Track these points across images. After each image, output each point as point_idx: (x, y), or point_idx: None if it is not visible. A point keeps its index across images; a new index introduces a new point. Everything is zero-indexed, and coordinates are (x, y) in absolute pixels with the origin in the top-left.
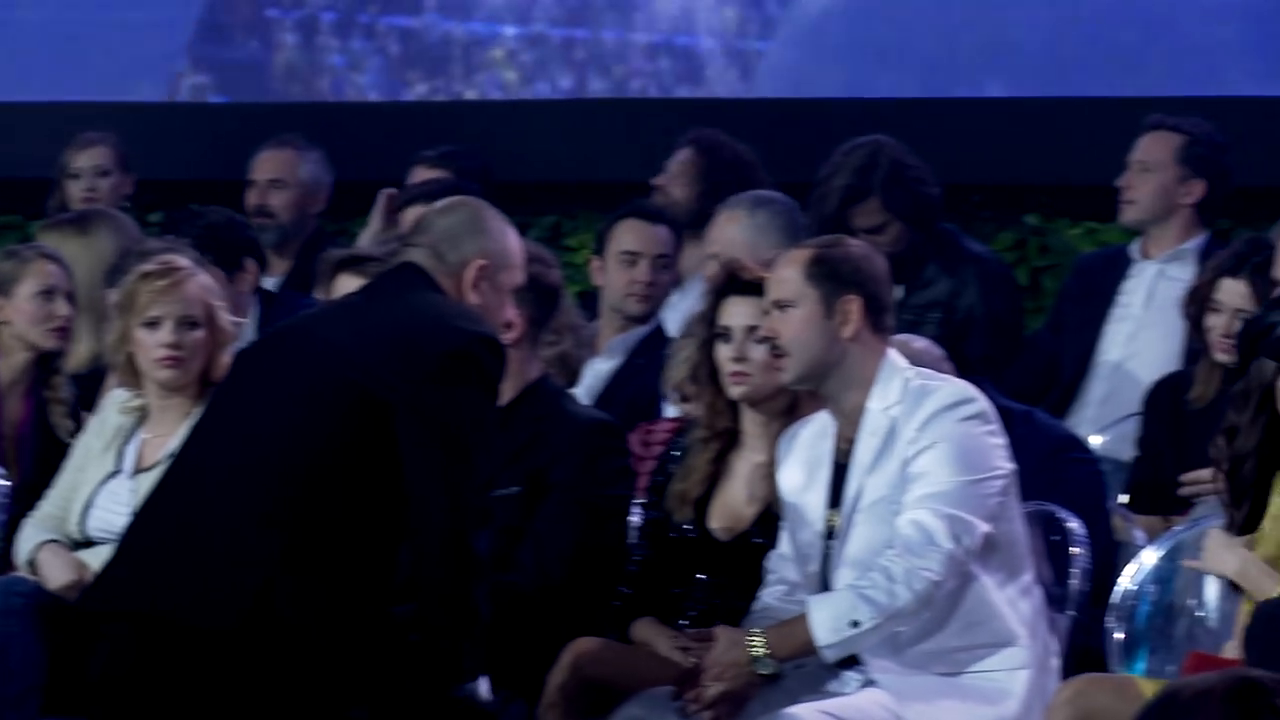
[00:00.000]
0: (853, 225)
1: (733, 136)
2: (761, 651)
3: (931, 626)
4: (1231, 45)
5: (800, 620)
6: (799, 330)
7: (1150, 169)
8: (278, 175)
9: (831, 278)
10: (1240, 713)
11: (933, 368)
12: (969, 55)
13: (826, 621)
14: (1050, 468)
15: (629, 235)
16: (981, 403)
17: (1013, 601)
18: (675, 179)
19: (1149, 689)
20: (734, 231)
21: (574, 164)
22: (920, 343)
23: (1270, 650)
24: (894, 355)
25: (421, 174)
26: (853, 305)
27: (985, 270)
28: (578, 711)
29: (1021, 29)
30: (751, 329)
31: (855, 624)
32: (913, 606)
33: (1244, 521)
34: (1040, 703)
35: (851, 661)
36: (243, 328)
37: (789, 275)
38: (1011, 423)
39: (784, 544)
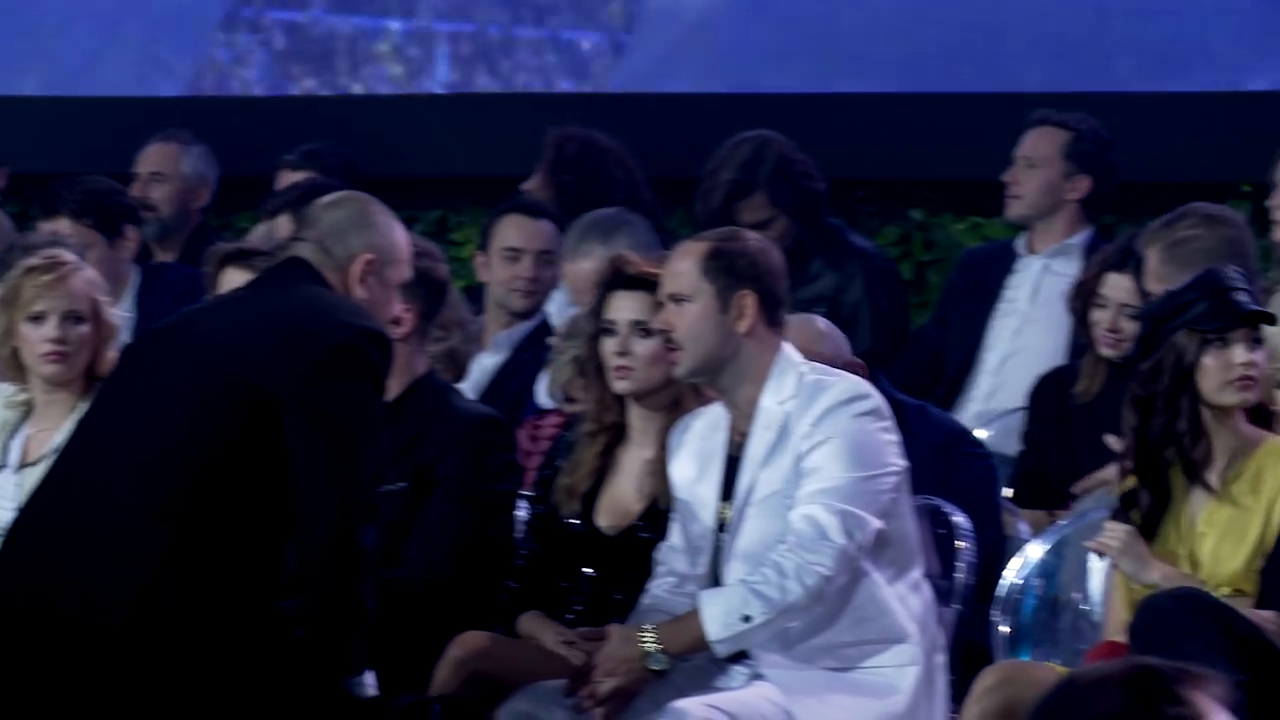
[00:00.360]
0: (739, 220)
1: (617, 132)
2: (654, 647)
3: (821, 622)
4: (1115, 41)
5: (692, 615)
6: (694, 324)
7: (1036, 164)
8: (159, 169)
9: (728, 272)
10: (1138, 699)
11: (836, 349)
12: (854, 50)
13: (718, 616)
14: (943, 461)
15: (511, 231)
16: (876, 399)
17: (903, 598)
18: (535, 179)
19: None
20: (594, 269)
21: (460, 159)
22: (823, 323)
23: (1154, 643)
24: (789, 350)
25: (286, 176)
26: (748, 300)
27: (870, 265)
28: None
29: (907, 24)
30: (636, 324)
31: (747, 619)
32: (804, 601)
33: (1151, 501)
34: (928, 698)
35: (740, 656)
36: (123, 292)
37: (685, 269)
38: (905, 416)
39: (674, 535)
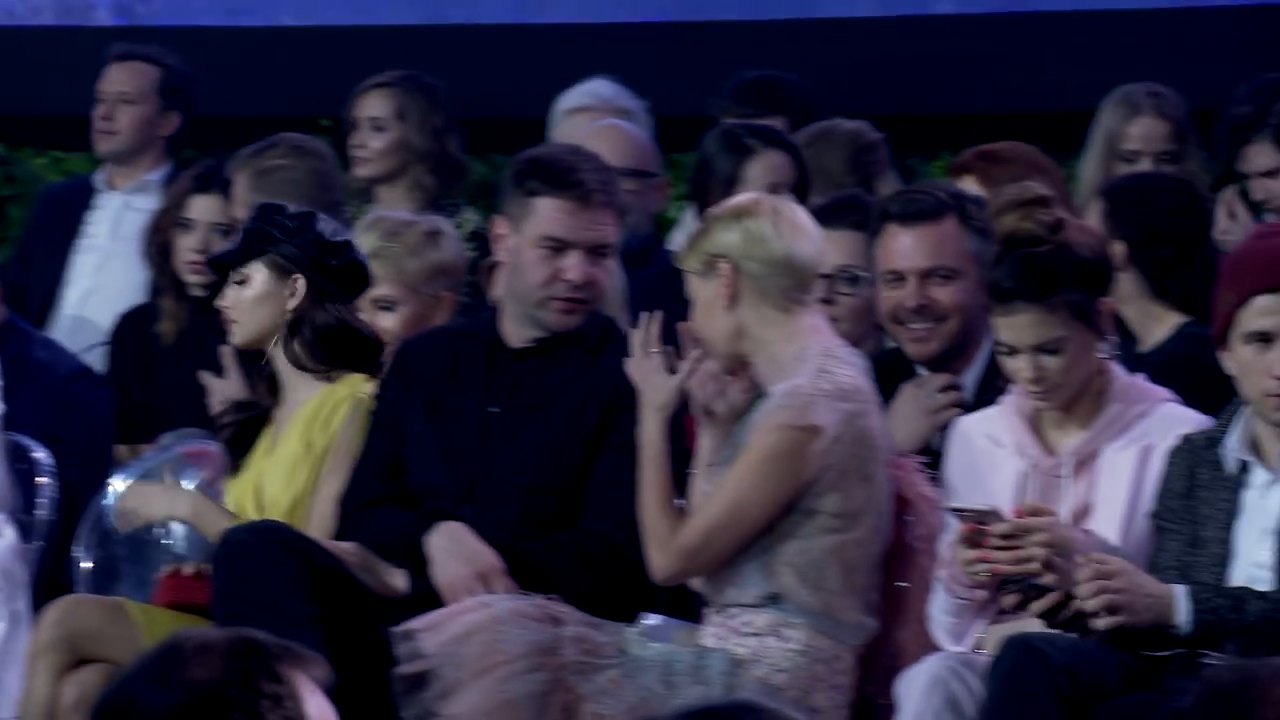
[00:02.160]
0: None
1: None
2: None
3: None
4: None
5: None
6: None
7: (132, 100)
8: None
9: None
10: (238, 671)
11: None
12: None
13: None
14: (64, 394)
15: None
16: None
17: None
18: None
19: (136, 612)
20: None
21: None
22: None
23: (236, 576)
24: None
25: None
26: None
27: None
28: None
29: None
30: None
31: None
32: None
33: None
34: (15, 640)
35: None
36: None
37: None
38: (31, 346)
39: None
